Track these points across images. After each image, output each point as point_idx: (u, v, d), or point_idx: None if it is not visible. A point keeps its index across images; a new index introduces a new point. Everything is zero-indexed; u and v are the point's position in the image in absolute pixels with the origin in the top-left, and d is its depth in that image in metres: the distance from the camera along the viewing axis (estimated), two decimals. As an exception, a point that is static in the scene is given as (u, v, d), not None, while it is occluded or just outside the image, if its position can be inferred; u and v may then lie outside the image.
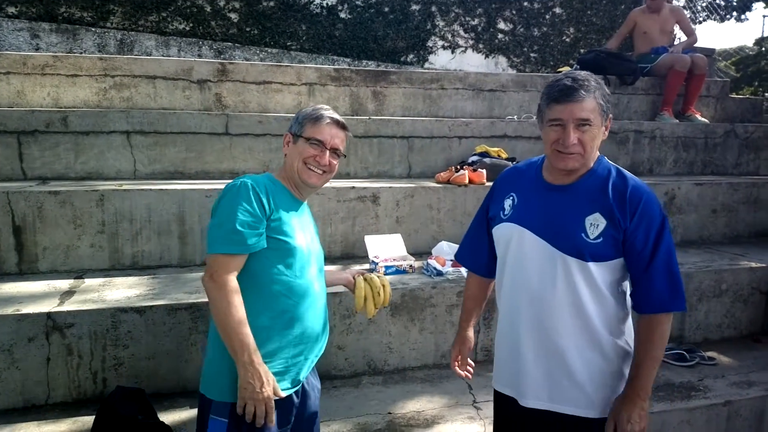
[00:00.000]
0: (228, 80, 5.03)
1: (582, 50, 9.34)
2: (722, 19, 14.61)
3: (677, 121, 5.93)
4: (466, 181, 4.27)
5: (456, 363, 2.31)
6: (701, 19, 14.27)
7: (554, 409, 1.91)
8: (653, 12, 6.39)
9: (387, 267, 3.61)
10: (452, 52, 9.20)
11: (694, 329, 3.96)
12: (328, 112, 2.09)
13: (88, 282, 3.34)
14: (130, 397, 2.60)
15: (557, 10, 9.68)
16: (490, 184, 2.62)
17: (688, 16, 12.03)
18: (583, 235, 1.83)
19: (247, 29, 7.87)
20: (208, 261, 1.91)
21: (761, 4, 15.88)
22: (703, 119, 6.06)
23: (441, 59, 9.08)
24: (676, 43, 6.59)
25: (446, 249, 3.83)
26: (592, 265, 1.83)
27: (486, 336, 3.47)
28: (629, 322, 1.96)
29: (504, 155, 4.71)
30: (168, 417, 2.73)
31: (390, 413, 2.90)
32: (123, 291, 3.18)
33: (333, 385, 3.17)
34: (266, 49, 7.93)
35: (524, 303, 1.93)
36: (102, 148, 4.13)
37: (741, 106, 6.74)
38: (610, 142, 5.39)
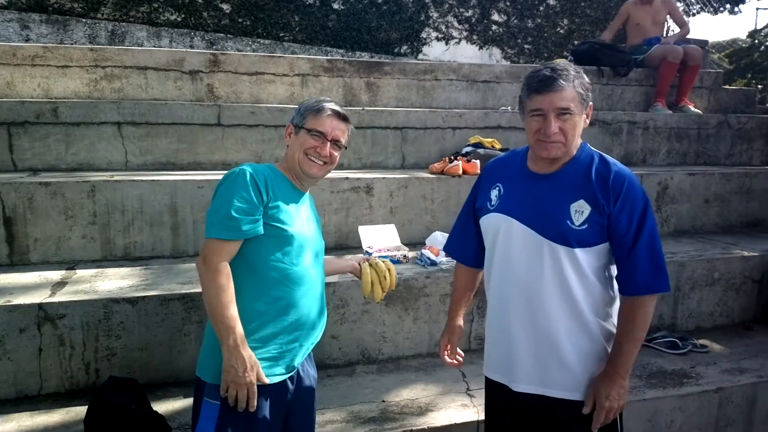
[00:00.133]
0: (220, 71, 5.00)
1: (576, 42, 9.34)
2: (715, 12, 14.62)
3: (670, 112, 5.94)
4: (460, 171, 4.27)
5: (445, 352, 2.33)
6: (695, 11, 14.28)
7: (545, 393, 1.95)
8: (645, 3, 6.39)
9: (381, 257, 3.60)
10: (446, 44, 9.18)
11: (686, 317, 3.98)
12: (330, 104, 2.10)
13: (80, 273, 3.33)
14: (122, 387, 2.60)
15: (551, 1, 9.68)
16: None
17: (682, 8, 12.06)
18: (568, 222, 1.86)
19: (240, 20, 7.83)
20: (203, 245, 1.94)
21: (754, -4, 15.88)
22: (696, 110, 6.07)
23: (435, 51, 9.07)
24: (669, 34, 6.58)
25: (440, 239, 3.83)
26: (578, 251, 1.86)
27: (479, 325, 3.48)
28: (616, 305, 1.99)
29: (498, 146, 4.71)
30: (161, 407, 2.72)
31: (384, 401, 2.90)
32: (115, 282, 3.17)
33: (327, 374, 3.17)
34: (259, 40, 7.89)
35: (514, 291, 1.96)
36: (93, 139, 4.10)
37: (734, 97, 6.76)
38: (603, 133, 5.40)
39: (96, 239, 3.56)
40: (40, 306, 2.83)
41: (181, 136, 4.26)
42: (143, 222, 3.63)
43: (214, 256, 1.88)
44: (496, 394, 2.09)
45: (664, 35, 6.53)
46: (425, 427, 2.68)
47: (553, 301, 1.89)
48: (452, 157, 4.45)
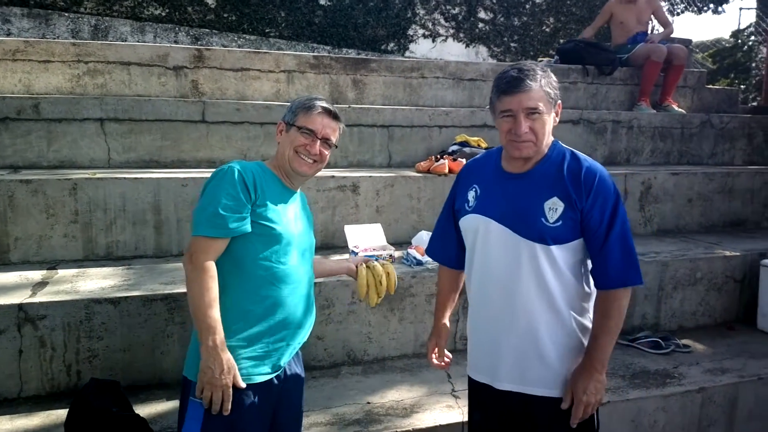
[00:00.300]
0: (205, 67, 4.94)
1: (561, 40, 9.37)
2: (699, 11, 14.74)
3: (654, 111, 5.98)
4: (446, 170, 4.26)
5: (433, 355, 2.34)
6: (679, 10, 14.39)
7: (525, 391, 1.98)
8: (629, 2, 6.41)
9: (367, 256, 3.59)
10: (433, 41, 9.17)
11: (669, 317, 4.02)
12: (321, 102, 2.09)
13: (62, 273, 3.28)
14: (104, 389, 2.56)
15: (537, -1, 9.71)
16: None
17: (666, 8, 12.15)
18: (543, 219, 1.89)
19: (225, 15, 7.76)
20: (190, 242, 1.92)
21: (737, -4, 16.03)
22: (680, 110, 6.12)
23: (422, 48, 9.05)
24: (654, 33, 6.62)
25: (426, 238, 3.82)
26: (554, 248, 1.90)
27: (464, 325, 3.45)
28: (593, 300, 2.02)
29: (484, 145, 4.71)
30: (144, 409, 2.70)
31: (369, 403, 2.90)
32: (97, 282, 3.13)
33: (312, 375, 3.15)
34: (244, 35, 7.83)
35: (493, 290, 1.99)
36: (75, 135, 4.04)
37: (717, 97, 6.83)
38: (588, 132, 5.43)
39: (78, 238, 3.51)
40: (21, 307, 2.79)
41: (164, 133, 4.21)
42: (126, 221, 3.58)
43: (200, 255, 1.87)
44: (479, 394, 2.12)
45: (649, 33, 6.56)
46: (410, 428, 2.67)
47: (531, 298, 1.93)
48: (438, 156, 4.45)
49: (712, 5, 14.31)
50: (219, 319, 1.85)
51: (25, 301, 2.81)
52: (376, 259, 2.63)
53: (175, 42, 7.34)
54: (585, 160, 1.95)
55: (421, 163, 4.44)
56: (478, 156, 2.25)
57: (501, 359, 2.00)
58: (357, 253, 3.58)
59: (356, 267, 2.47)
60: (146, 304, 2.94)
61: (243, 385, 1.90)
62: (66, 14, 6.91)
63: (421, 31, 9.03)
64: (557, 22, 9.91)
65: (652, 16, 6.63)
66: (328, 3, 8.32)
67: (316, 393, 2.96)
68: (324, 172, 4.08)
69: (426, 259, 3.61)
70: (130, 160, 4.16)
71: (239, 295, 1.94)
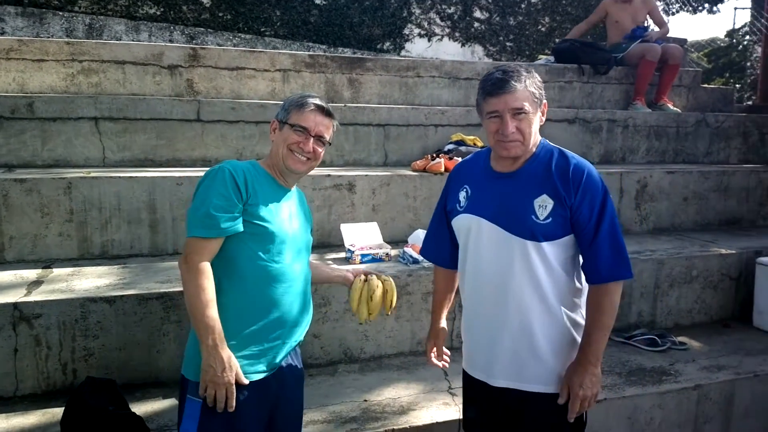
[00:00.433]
0: (200, 66, 4.93)
1: (557, 39, 9.38)
2: (695, 11, 14.78)
3: (650, 110, 5.99)
4: (442, 169, 4.26)
5: (432, 354, 2.36)
6: (674, 10, 14.43)
7: (522, 388, 2.00)
8: (625, 2, 6.42)
9: (363, 255, 3.59)
10: (429, 41, 9.18)
11: (665, 315, 4.03)
12: (314, 99, 2.08)
13: (57, 271, 3.26)
14: (100, 388, 2.55)
15: (533, -1, 9.72)
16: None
17: (661, 7, 12.17)
18: (533, 217, 1.92)
19: (220, 14, 7.75)
20: (185, 244, 1.93)
21: (732, -4, 16.07)
22: (675, 109, 6.13)
23: (417, 47, 9.05)
24: (651, 31, 6.60)
25: (422, 237, 3.77)
26: (545, 244, 1.93)
27: (460, 323, 3.48)
28: (584, 296, 2.05)
29: (480, 144, 4.71)
30: (140, 408, 2.69)
31: (366, 401, 2.89)
32: (92, 280, 3.12)
33: (309, 373, 3.14)
34: (240, 34, 7.81)
35: (486, 288, 2.02)
36: (70, 134, 4.02)
37: (712, 96, 6.84)
38: (583, 131, 5.44)
39: (73, 237, 3.50)
40: (16, 305, 2.77)
41: (159, 131, 4.20)
42: (121, 219, 3.57)
43: (195, 256, 1.88)
44: (474, 389, 2.15)
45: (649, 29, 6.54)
46: (407, 426, 2.67)
47: (524, 295, 1.95)
48: (434, 155, 4.45)
49: (707, 5, 14.35)
50: (217, 317, 1.86)
51: (20, 300, 2.79)
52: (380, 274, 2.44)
53: (170, 41, 7.32)
54: (573, 158, 1.98)
55: (417, 162, 4.44)
56: (467, 157, 2.29)
57: (496, 356, 2.02)
58: (353, 252, 3.58)
59: (353, 277, 2.36)
60: (142, 303, 2.93)
61: (246, 381, 1.91)
62: (60, 13, 6.89)
63: (416, 31, 9.03)
64: (553, 21, 9.93)
65: (647, 15, 6.64)
66: (324, 2, 8.32)
67: (312, 391, 2.96)
68: (320, 171, 4.09)
69: (422, 257, 3.60)
70: (125, 159, 4.14)
71: (234, 294, 1.94)
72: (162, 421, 2.63)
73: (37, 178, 3.44)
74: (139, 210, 3.59)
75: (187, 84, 4.89)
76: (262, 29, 7.99)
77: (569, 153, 2.01)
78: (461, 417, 2.71)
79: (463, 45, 9.36)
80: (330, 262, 3.59)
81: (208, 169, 2.03)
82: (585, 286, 2.03)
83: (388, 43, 8.85)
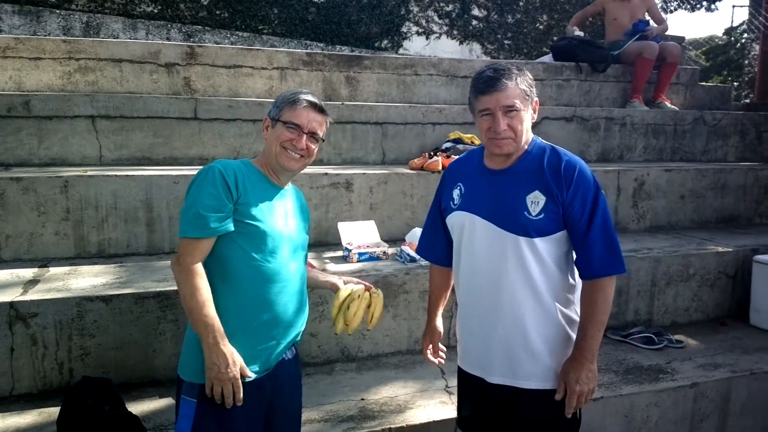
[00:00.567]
0: (197, 64, 4.92)
1: (555, 37, 9.38)
2: (693, 9, 14.76)
3: (647, 108, 5.99)
4: (440, 167, 4.26)
5: (428, 351, 2.37)
6: (672, 8, 14.41)
7: (518, 385, 2.01)
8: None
9: (360, 254, 3.59)
10: (427, 39, 9.16)
11: (662, 313, 4.03)
12: (306, 96, 2.06)
13: (53, 270, 3.26)
14: (96, 387, 2.55)
15: (531, -3, 9.71)
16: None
17: (660, 5, 12.16)
18: (525, 213, 1.94)
19: (218, 12, 7.73)
20: (178, 245, 1.93)
21: (730, -6, 16.07)
22: (673, 106, 6.13)
23: (415, 45, 9.04)
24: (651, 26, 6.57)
25: (419, 235, 3.81)
26: (538, 240, 1.94)
27: (457, 320, 3.48)
28: (578, 292, 2.06)
29: (477, 142, 4.71)
30: (137, 407, 2.68)
31: (363, 399, 2.89)
32: (89, 279, 3.11)
33: (306, 372, 3.14)
34: (237, 32, 7.80)
35: (480, 284, 2.04)
36: (66, 133, 4.01)
37: (710, 94, 6.85)
38: (581, 129, 5.44)
39: (69, 236, 3.49)
40: (12, 304, 2.77)
41: (156, 130, 4.20)
42: (118, 218, 3.56)
43: (187, 256, 1.88)
44: (469, 386, 2.16)
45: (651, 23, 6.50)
46: (404, 425, 2.68)
47: (517, 291, 1.97)
48: (432, 153, 4.45)
49: (705, 3, 14.34)
50: (215, 315, 1.86)
51: (16, 299, 2.79)
52: (371, 287, 2.30)
53: (168, 39, 7.30)
54: (564, 155, 2.00)
55: (415, 160, 4.44)
56: (461, 155, 2.32)
57: (491, 353, 2.04)
58: (351, 250, 3.58)
59: (342, 285, 2.26)
60: (138, 302, 2.93)
61: (251, 374, 1.92)
62: (57, 11, 6.87)
63: (414, 29, 9.02)
64: (551, 19, 9.92)
65: (646, 13, 6.63)
66: (322, 0, 8.30)
67: (310, 390, 2.95)
68: (317, 169, 4.08)
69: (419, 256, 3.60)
70: (121, 157, 4.14)
71: (227, 294, 1.93)
72: (158, 420, 2.62)
73: (34, 177, 3.43)
74: (136, 209, 3.59)
75: (185, 82, 4.88)
76: (260, 27, 7.97)
77: (561, 150, 2.02)
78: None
79: (461, 43, 9.35)
80: (327, 260, 3.59)
81: (204, 167, 2.03)
82: (579, 282, 2.04)
83: (386, 41, 8.83)
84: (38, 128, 3.96)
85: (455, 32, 9.29)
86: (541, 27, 9.88)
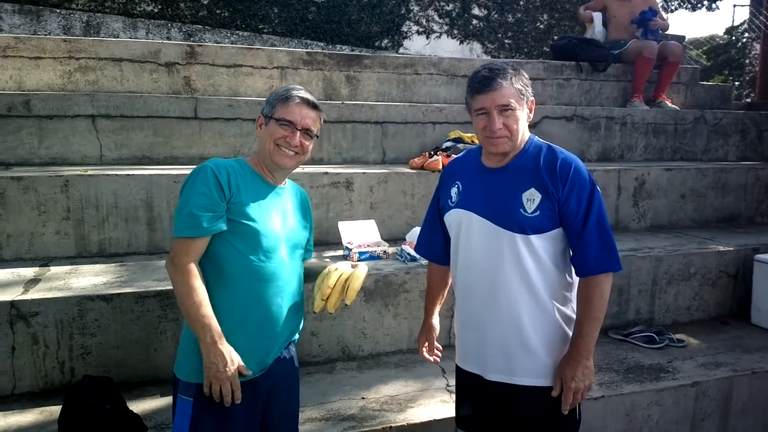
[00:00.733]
0: (197, 63, 4.92)
1: (555, 37, 9.37)
2: (694, 8, 14.75)
3: (648, 107, 5.99)
4: (440, 166, 4.25)
5: (424, 349, 2.38)
6: (673, 7, 14.40)
7: (514, 382, 2.02)
8: (625, -1, 6.40)
9: (361, 253, 3.59)
10: (427, 38, 9.16)
11: (663, 312, 4.03)
12: (299, 92, 2.04)
13: (54, 270, 3.26)
14: (97, 386, 2.55)
15: (531, -4, 9.70)
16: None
17: (660, 4, 12.15)
18: (521, 210, 1.96)
19: (218, 11, 7.72)
20: (171, 245, 1.93)
21: (731, -7, 16.09)
22: (673, 106, 6.13)
23: (416, 45, 9.03)
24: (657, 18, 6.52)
25: (420, 234, 3.81)
26: (533, 237, 1.96)
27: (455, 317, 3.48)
28: (575, 290, 2.07)
29: (478, 141, 4.70)
30: (138, 406, 2.68)
31: (364, 398, 2.89)
32: (89, 279, 3.11)
33: (307, 371, 3.14)
34: (237, 32, 7.79)
35: (477, 281, 2.05)
36: (67, 132, 4.02)
37: (710, 93, 6.84)
38: (582, 129, 5.43)
39: (70, 235, 3.49)
40: (13, 304, 2.77)
41: (157, 129, 4.20)
42: (118, 217, 3.56)
43: (181, 257, 1.88)
44: (468, 383, 2.17)
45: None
46: (405, 423, 2.68)
47: (513, 288, 1.98)
48: (432, 152, 4.44)
49: (706, 2, 14.33)
50: (212, 314, 1.85)
51: (17, 298, 2.79)
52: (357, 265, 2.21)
53: (168, 38, 7.30)
54: (561, 152, 2.02)
55: (415, 160, 4.44)
56: (459, 154, 2.34)
57: (488, 350, 2.05)
58: (351, 250, 3.58)
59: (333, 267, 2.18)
60: (139, 301, 2.93)
61: (249, 372, 1.91)
62: (57, 11, 6.86)
63: (415, 28, 9.01)
64: (551, 18, 9.91)
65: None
66: (322, -1, 8.30)
67: (310, 389, 2.96)
68: (318, 169, 4.09)
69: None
70: (122, 156, 4.14)
71: (221, 293, 1.92)
72: (159, 419, 2.62)
73: (34, 176, 3.43)
74: (137, 208, 3.59)
75: (185, 81, 4.88)
76: (260, 26, 7.97)
77: (558, 148, 2.04)
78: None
79: (461, 42, 9.34)
80: (328, 260, 3.59)
81: (203, 166, 2.02)
82: (576, 280, 2.05)
83: (386, 41, 8.83)
84: (39, 128, 3.96)
85: (455, 31, 9.28)
86: (541, 26, 9.87)
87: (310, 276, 2.21)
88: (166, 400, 2.77)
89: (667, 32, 6.64)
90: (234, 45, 6.08)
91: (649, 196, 4.83)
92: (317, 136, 2.11)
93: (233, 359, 1.86)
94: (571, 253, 2.02)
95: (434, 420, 2.72)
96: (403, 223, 4.15)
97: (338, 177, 3.98)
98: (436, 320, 2.38)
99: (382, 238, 3.85)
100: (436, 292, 2.38)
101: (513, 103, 1.94)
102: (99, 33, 7.02)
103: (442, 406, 2.83)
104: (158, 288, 2.97)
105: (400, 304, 3.41)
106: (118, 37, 7.01)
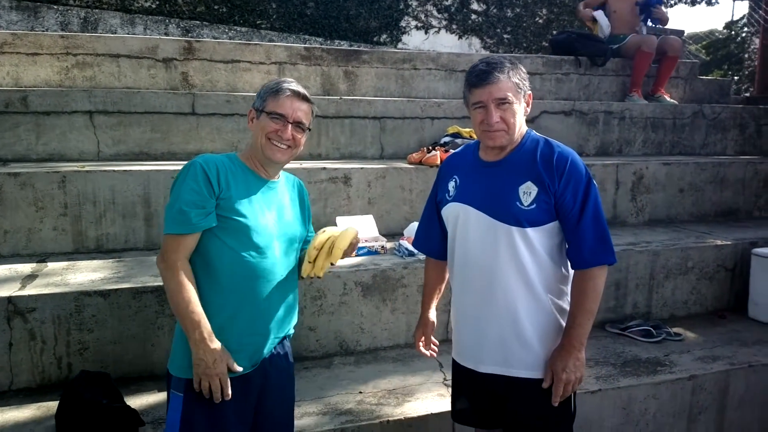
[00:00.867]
0: (195, 59, 4.91)
1: (554, 31, 9.35)
2: (693, 3, 14.74)
3: (646, 102, 5.98)
4: (438, 161, 4.25)
5: (420, 344, 2.39)
6: (673, 2, 14.38)
7: (508, 374, 2.04)
8: (624, -8, 6.38)
9: (359, 248, 3.59)
10: (425, 33, 9.14)
11: (661, 306, 4.03)
12: (289, 84, 2.02)
13: (51, 265, 3.26)
14: (94, 381, 2.56)
15: (530, -9, 9.68)
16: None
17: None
18: (518, 203, 1.97)
19: (216, 7, 7.70)
20: (162, 242, 1.93)
21: (730, -13, 16.05)
22: (672, 100, 6.12)
23: (414, 40, 9.02)
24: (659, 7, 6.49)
25: (418, 229, 3.81)
26: (530, 230, 1.97)
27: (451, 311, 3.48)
28: (570, 283, 2.08)
29: (476, 136, 4.70)
30: (135, 401, 2.69)
31: (361, 392, 2.90)
32: (87, 274, 3.11)
33: (304, 366, 3.15)
34: (235, 27, 7.77)
35: (473, 274, 2.06)
36: (64, 128, 4.01)
37: (709, 88, 6.83)
38: (580, 123, 5.43)
39: (67, 231, 3.49)
40: (10, 299, 2.77)
41: (154, 125, 4.19)
42: (116, 213, 3.56)
43: (172, 253, 1.87)
44: (464, 377, 2.19)
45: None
46: (402, 417, 2.68)
47: (510, 280, 1.99)
48: (430, 148, 4.44)
49: (705, -3, 14.31)
50: (201, 312, 1.85)
51: (14, 294, 2.79)
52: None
53: (166, 34, 7.28)
54: (557, 146, 2.03)
55: (413, 155, 4.43)
56: (458, 149, 2.35)
57: (484, 342, 2.06)
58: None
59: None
60: (136, 297, 2.93)
61: (239, 368, 1.91)
62: (55, 7, 6.84)
63: (413, 23, 8.99)
64: (550, 13, 9.89)
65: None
66: (320, -5, 8.28)
67: (308, 383, 2.96)
68: (315, 164, 4.08)
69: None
70: (119, 152, 4.14)
71: (211, 290, 1.92)
72: (156, 414, 2.63)
73: (32, 172, 3.43)
74: (134, 204, 3.59)
75: (182, 77, 4.88)
76: (258, 22, 7.95)
77: (554, 142, 2.05)
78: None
79: (460, 37, 9.33)
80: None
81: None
82: (572, 273, 2.06)
83: (384, 36, 8.81)
84: (36, 124, 3.95)
85: (454, 26, 9.27)
86: (540, 21, 9.86)
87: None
88: (164, 395, 2.77)
89: (666, 27, 6.62)
90: (232, 41, 6.07)
91: (648, 191, 4.82)
92: (309, 129, 2.09)
93: (222, 356, 1.86)
94: (567, 246, 2.03)
95: (431, 414, 2.72)
96: (401, 218, 4.15)
97: (336, 172, 3.98)
98: (433, 315, 2.38)
99: (380, 233, 3.85)
100: (434, 287, 2.39)
101: (510, 97, 1.95)
102: (96, 29, 7.00)
103: (439, 400, 2.84)
104: (155, 283, 2.97)
105: (398, 298, 3.41)
106: (115, 33, 6.99)
